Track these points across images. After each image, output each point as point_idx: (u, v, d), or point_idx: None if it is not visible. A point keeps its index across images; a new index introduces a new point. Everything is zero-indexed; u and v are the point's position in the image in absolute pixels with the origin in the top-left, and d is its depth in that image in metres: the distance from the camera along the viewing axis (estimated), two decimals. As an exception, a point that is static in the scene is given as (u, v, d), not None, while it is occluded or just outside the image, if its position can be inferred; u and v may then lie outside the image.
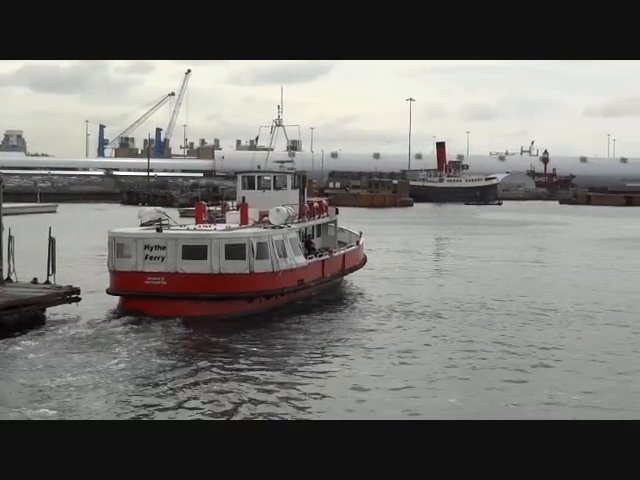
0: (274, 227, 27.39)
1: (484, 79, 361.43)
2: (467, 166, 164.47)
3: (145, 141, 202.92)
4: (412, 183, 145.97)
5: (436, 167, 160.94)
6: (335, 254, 31.83)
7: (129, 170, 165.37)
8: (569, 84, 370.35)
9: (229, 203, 33.31)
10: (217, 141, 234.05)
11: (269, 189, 32.30)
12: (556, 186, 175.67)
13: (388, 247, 50.93)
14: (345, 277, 33.78)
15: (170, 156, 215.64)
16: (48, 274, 25.39)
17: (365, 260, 35.90)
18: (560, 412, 15.72)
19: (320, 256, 30.34)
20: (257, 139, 39.70)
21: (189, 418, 15.11)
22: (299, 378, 18.26)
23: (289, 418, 15.32)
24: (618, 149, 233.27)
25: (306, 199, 33.31)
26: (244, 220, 28.46)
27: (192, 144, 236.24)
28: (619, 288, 33.70)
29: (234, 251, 25.09)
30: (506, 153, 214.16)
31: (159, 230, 25.71)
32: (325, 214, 34.39)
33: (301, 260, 27.97)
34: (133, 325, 23.16)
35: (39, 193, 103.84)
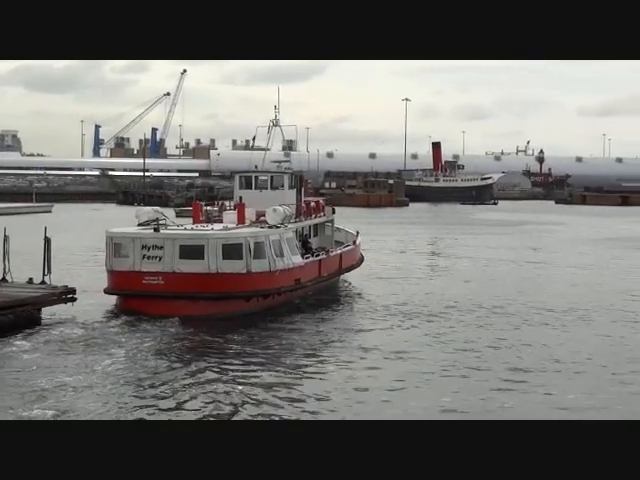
0: (271, 227, 27.45)
1: (479, 79, 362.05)
2: (463, 166, 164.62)
3: (141, 141, 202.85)
4: (408, 183, 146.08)
5: (432, 167, 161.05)
6: (332, 254, 31.90)
7: (125, 170, 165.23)
8: (565, 84, 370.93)
9: (226, 203, 33.39)
10: (213, 141, 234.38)
11: (266, 189, 32.37)
12: (552, 186, 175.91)
13: (384, 247, 50.94)
14: (342, 276, 33.85)
15: (166, 156, 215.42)
16: (44, 274, 25.35)
17: (362, 260, 36.01)
18: (556, 412, 15.71)
19: (317, 256, 30.42)
20: (254, 139, 39.84)
21: (187, 418, 15.08)
22: (296, 378, 18.24)
23: (287, 418, 15.29)
24: (614, 149, 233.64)
25: (303, 199, 33.38)
26: (241, 220, 28.53)
27: (188, 144, 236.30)
28: (615, 288, 33.71)
29: (231, 251, 25.17)
30: (502, 153, 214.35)
31: (156, 230, 25.76)
32: (322, 214, 34.49)
33: (298, 260, 28.03)
34: (130, 325, 23.15)
35: (34, 193, 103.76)
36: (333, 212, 35.79)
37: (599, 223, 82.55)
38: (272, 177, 32.87)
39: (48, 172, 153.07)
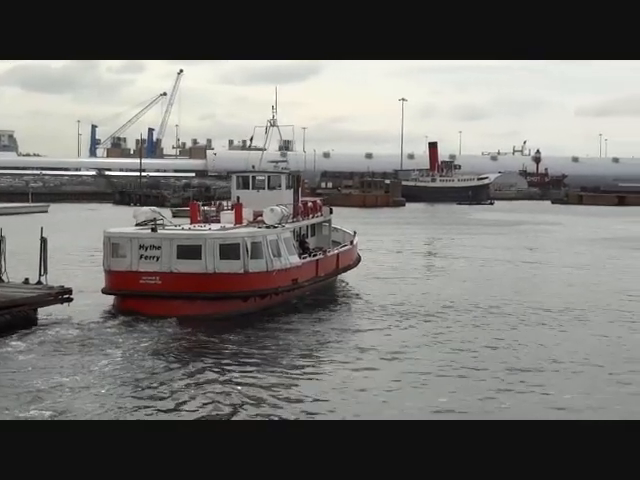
0: (268, 227, 27.51)
1: (476, 79, 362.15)
2: (459, 166, 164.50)
3: (137, 141, 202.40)
4: (404, 183, 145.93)
5: (428, 167, 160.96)
6: (329, 254, 31.94)
7: (121, 170, 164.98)
8: (561, 84, 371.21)
9: (224, 203, 33.44)
10: (209, 141, 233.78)
11: (263, 189, 32.45)
12: (548, 186, 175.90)
13: (381, 247, 50.95)
14: (339, 276, 33.88)
15: (162, 156, 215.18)
16: (40, 274, 25.31)
17: (359, 259, 36.07)
18: (554, 412, 15.73)
19: (314, 256, 30.45)
20: (252, 139, 39.79)
21: (185, 418, 15.07)
22: (293, 379, 18.23)
23: (284, 418, 15.28)
24: (610, 149, 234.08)
25: (300, 199, 33.41)
26: (238, 220, 28.57)
27: (184, 144, 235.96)
28: (612, 288, 33.75)
29: (228, 251, 25.22)
30: (498, 153, 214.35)
31: (154, 230, 25.83)
32: (319, 214, 34.56)
33: (295, 260, 28.06)
34: (126, 325, 23.13)
35: (31, 193, 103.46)
36: (330, 212, 35.88)
37: (595, 223, 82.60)
38: (269, 177, 32.94)
39: (44, 172, 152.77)
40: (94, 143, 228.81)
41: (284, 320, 25.03)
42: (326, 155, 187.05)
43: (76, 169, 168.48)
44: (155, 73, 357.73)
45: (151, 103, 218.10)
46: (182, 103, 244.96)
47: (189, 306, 24.44)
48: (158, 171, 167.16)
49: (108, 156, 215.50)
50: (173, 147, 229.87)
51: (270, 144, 36.60)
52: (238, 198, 30.05)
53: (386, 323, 25.00)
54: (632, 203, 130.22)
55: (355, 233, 37.16)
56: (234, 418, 15.24)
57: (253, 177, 32.90)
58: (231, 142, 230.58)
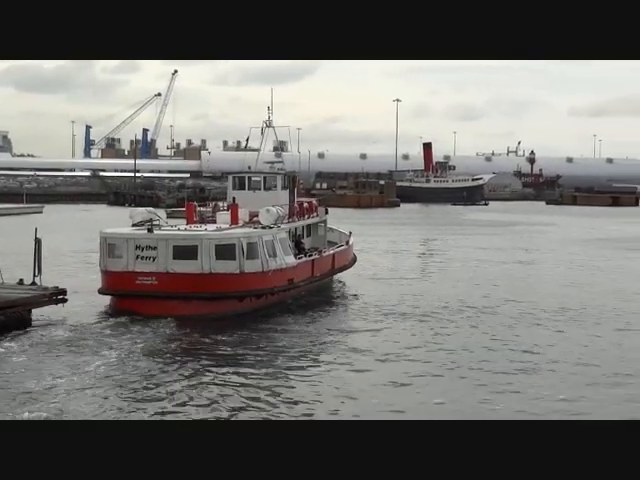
0: (264, 227, 27.61)
1: (471, 79, 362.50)
2: (454, 167, 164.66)
3: (131, 142, 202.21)
4: (399, 184, 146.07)
5: (423, 168, 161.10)
6: (325, 254, 32.06)
7: (115, 171, 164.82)
8: (555, 84, 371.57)
9: (220, 203, 33.56)
10: (204, 142, 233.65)
11: (259, 190, 32.62)
12: (542, 186, 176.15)
13: (376, 247, 50.96)
14: (335, 276, 33.92)
15: (157, 157, 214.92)
16: (34, 275, 25.26)
17: (355, 260, 36.21)
18: (551, 413, 15.73)
19: (310, 256, 30.55)
20: (248, 140, 39.97)
21: (181, 419, 15.04)
22: (288, 379, 18.20)
23: (279, 419, 15.26)
24: (604, 149, 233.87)
25: (296, 199, 33.49)
26: (234, 220, 28.66)
27: (179, 145, 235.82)
28: (606, 288, 33.81)
29: (224, 251, 25.33)
30: (492, 154, 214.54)
31: (150, 230, 25.92)
32: (315, 214, 34.68)
33: (291, 260, 28.15)
34: (121, 326, 23.09)
35: (25, 194, 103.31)
36: (326, 212, 36.02)
37: (589, 224, 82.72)
38: (265, 178, 33.10)
39: (39, 173, 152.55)
40: (88, 144, 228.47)
41: (280, 320, 25.04)
42: (320, 156, 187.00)
43: (70, 170, 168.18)
44: (149, 73, 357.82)
45: (145, 104, 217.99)
46: (176, 104, 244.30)
47: (185, 306, 24.52)
48: (152, 172, 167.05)
49: (102, 157, 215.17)
50: (167, 148, 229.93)
51: (265, 145, 36.67)
52: (234, 199, 30.15)
53: (381, 324, 24.99)
54: (626, 204, 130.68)
55: (351, 233, 37.24)
56: (230, 418, 15.21)
57: (249, 178, 33.07)
58: (225, 143, 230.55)
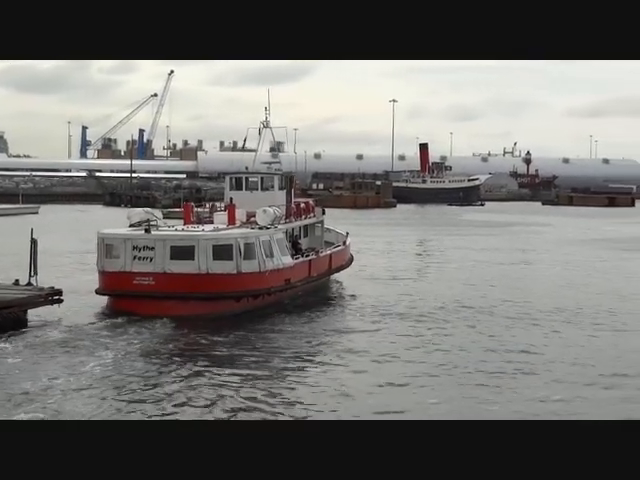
0: (261, 228, 27.70)
1: (467, 80, 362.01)
2: (450, 167, 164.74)
3: (128, 142, 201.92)
4: (395, 184, 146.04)
5: (419, 168, 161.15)
6: (322, 254, 32.11)
7: (112, 171, 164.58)
8: (551, 85, 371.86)
9: (217, 204, 33.61)
10: (200, 142, 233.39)
11: (256, 190, 32.69)
12: (539, 187, 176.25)
13: (372, 248, 50.94)
14: (332, 277, 33.95)
15: (153, 157, 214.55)
16: (30, 275, 25.22)
17: (351, 260, 36.25)
18: (543, 413, 15.73)
19: (307, 256, 30.58)
20: (245, 140, 40.03)
21: (177, 419, 15.01)
22: (284, 380, 18.20)
23: (276, 418, 15.25)
24: (600, 150, 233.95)
25: (293, 200, 33.53)
26: (231, 221, 28.74)
27: (175, 145, 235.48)
28: (601, 289, 33.86)
29: (221, 251, 25.42)
30: (489, 154, 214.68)
31: (147, 231, 25.99)
32: (312, 214, 34.74)
33: (288, 260, 28.22)
34: (117, 327, 23.08)
35: (21, 194, 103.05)
36: (323, 213, 36.11)
37: (585, 224, 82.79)
38: (262, 178, 33.17)
39: (35, 173, 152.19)
40: (84, 144, 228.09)
41: (276, 321, 25.05)
42: (317, 156, 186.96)
43: (66, 170, 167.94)
44: (146, 74, 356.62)
45: (142, 104, 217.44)
46: (173, 104, 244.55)
47: (182, 306, 24.59)
48: (149, 172, 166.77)
49: (99, 157, 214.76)
50: (164, 148, 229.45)
51: (262, 145, 36.68)
52: (231, 199, 30.26)
53: (378, 324, 25.00)
54: (622, 204, 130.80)
55: (347, 234, 37.28)
56: (227, 419, 15.19)
57: (246, 178, 33.15)
58: (222, 143, 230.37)
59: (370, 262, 42.60)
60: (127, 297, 25.13)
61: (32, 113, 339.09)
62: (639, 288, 34.72)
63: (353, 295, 31.12)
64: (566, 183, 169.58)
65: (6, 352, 19.87)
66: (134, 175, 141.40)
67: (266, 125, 35.54)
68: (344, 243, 35.70)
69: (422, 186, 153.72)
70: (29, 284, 25.04)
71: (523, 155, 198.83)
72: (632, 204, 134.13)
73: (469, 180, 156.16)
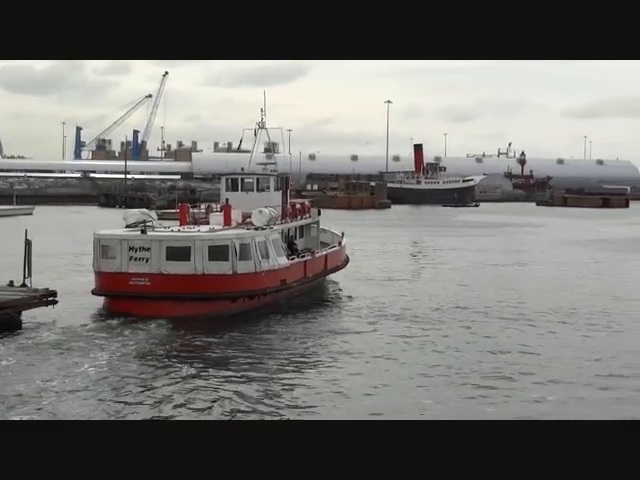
0: (257, 228, 27.78)
1: (460, 81, 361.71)
2: (444, 168, 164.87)
3: (122, 143, 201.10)
4: (390, 185, 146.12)
5: (414, 169, 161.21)
6: (317, 255, 32.16)
7: (106, 172, 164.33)
8: (545, 86, 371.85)
9: (213, 205, 33.65)
10: (195, 143, 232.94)
11: (252, 191, 32.74)
12: (533, 188, 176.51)
13: (367, 249, 50.95)
14: (327, 277, 33.95)
15: (147, 158, 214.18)
16: (24, 277, 25.16)
17: (347, 260, 36.32)
18: (539, 413, 15.73)
19: (302, 257, 30.60)
20: (241, 142, 40.05)
21: (172, 419, 14.98)
22: (279, 380, 18.20)
23: (271, 419, 15.23)
24: (595, 151, 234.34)
25: (288, 201, 33.57)
26: (227, 221, 28.80)
27: (169, 146, 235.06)
28: (596, 290, 33.92)
29: (217, 252, 25.53)
30: (483, 155, 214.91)
31: (143, 232, 26.05)
32: (307, 215, 34.80)
33: (283, 261, 28.28)
34: (112, 328, 23.05)
35: (15, 195, 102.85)
36: (319, 214, 36.16)
37: (580, 225, 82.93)
38: (258, 179, 33.24)
39: (29, 174, 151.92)
40: (79, 145, 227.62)
41: (272, 321, 25.05)
42: (311, 157, 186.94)
43: (61, 171, 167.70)
44: (140, 75, 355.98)
45: (136, 105, 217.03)
46: (167, 105, 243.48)
47: (178, 307, 24.69)
48: (143, 173, 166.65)
49: (93, 158, 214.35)
50: (158, 149, 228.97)
51: (257, 146, 36.67)
52: (227, 200, 30.31)
53: (373, 325, 25.01)
54: (616, 205, 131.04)
55: (343, 234, 37.31)
56: (222, 419, 15.16)
57: (242, 179, 33.22)
58: (216, 144, 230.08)
59: (365, 263, 42.61)
60: (123, 298, 25.23)
61: (26, 114, 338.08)
62: (633, 289, 34.78)
63: (348, 296, 31.11)
64: (560, 184, 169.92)
65: (0, 354, 19.79)
66: (128, 176, 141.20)
67: (262, 126, 35.58)
68: (339, 244, 35.75)
69: (416, 187, 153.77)
70: (23, 285, 24.97)
71: (517, 156, 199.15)
72: (626, 205, 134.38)
73: (463, 181, 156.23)
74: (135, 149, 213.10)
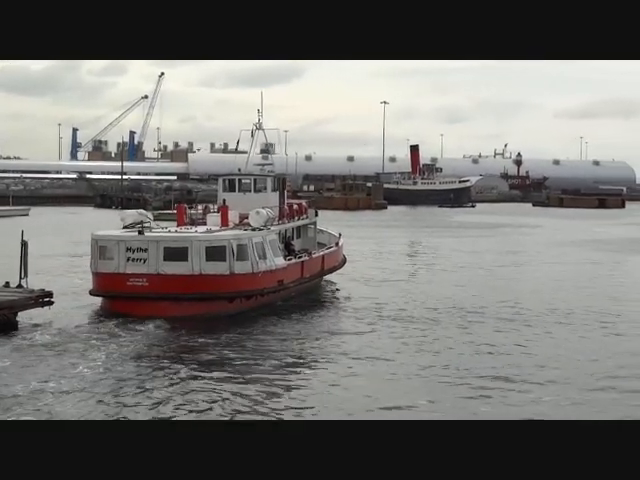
0: (254, 229, 27.83)
1: (456, 82, 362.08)
2: (441, 169, 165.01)
3: (118, 144, 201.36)
4: (386, 186, 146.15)
5: (410, 170, 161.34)
6: (314, 255, 32.20)
7: (102, 173, 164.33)
8: (542, 86, 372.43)
9: (210, 206, 33.69)
10: (191, 144, 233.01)
11: (249, 192, 32.79)
12: (529, 188, 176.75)
13: (363, 249, 50.94)
14: (325, 277, 33.95)
15: (144, 159, 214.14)
16: (20, 278, 25.12)
17: (344, 261, 36.31)
18: (534, 414, 15.72)
19: (299, 257, 30.62)
20: (238, 142, 40.11)
21: (168, 419, 14.95)
22: (276, 381, 18.16)
23: (267, 419, 15.20)
24: (591, 152, 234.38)
25: (286, 201, 33.60)
26: (224, 222, 28.85)
27: (166, 147, 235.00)
28: (592, 291, 33.96)
29: (214, 253, 25.59)
30: (479, 156, 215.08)
31: (141, 232, 26.09)
32: (305, 216, 34.85)
33: (280, 261, 28.31)
34: (108, 328, 23.02)
35: (11, 196, 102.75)
36: (316, 214, 36.19)
37: (576, 226, 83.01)
38: (255, 180, 33.27)
39: (25, 175, 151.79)
40: (75, 146, 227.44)
41: (269, 322, 25.05)
42: (308, 158, 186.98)
43: (57, 172, 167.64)
44: (136, 76, 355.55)
45: (132, 106, 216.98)
46: (163, 106, 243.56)
47: (176, 307, 24.75)
48: (139, 174, 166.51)
49: (89, 159, 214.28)
50: (154, 150, 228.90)
51: (254, 147, 36.67)
52: (224, 201, 30.38)
53: (370, 326, 25.00)
54: (612, 206, 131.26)
55: (340, 235, 37.34)
56: (219, 419, 15.14)
57: (239, 180, 33.28)
58: (213, 145, 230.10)
59: (362, 264, 42.61)
60: (121, 298, 25.32)
61: (22, 115, 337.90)
62: (629, 290, 34.78)
63: (345, 296, 31.14)
64: (556, 184, 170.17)
65: (-5, 355, 19.75)
66: (125, 177, 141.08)
67: (259, 127, 35.62)
68: (337, 244, 35.77)
69: (413, 188, 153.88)
70: (19, 286, 24.93)
71: (514, 157, 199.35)
72: (622, 206, 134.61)
73: (460, 182, 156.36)
74: (131, 150, 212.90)
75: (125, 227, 28.17)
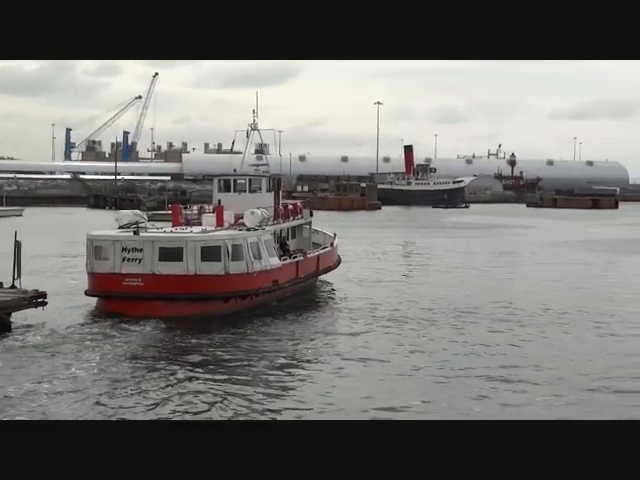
0: (249, 229, 27.86)
1: (450, 82, 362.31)
2: (435, 169, 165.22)
3: (112, 144, 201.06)
4: (380, 186, 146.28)
5: (404, 170, 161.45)
6: (309, 255, 32.23)
7: (96, 174, 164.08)
8: (536, 87, 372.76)
9: (205, 206, 33.70)
10: (185, 144, 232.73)
11: (244, 192, 32.80)
12: (523, 189, 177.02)
13: (357, 250, 50.95)
14: (319, 277, 33.97)
15: (137, 159, 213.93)
16: (14, 278, 25.05)
17: (339, 261, 36.37)
18: (529, 414, 15.74)
19: (294, 257, 30.63)
20: (233, 143, 40.07)
21: (163, 419, 14.92)
22: (271, 381, 18.16)
23: (263, 419, 15.19)
24: (584, 152, 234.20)
25: (281, 202, 33.62)
26: (220, 222, 28.86)
27: (159, 147, 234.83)
28: (585, 292, 33.97)
29: (209, 253, 25.64)
30: (473, 156, 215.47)
31: (136, 233, 26.10)
32: (299, 216, 34.89)
33: (275, 261, 28.33)
34: (102, 328, 22.97)
35: (5, 197, 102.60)
36: (311, 215, 36.20)
37: (569, 226, 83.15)
38: (250, 180, 33.31)
39: (19, 176, 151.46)
40: (69, 146, 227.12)
41: (264, 322, 25.03)
42: (302, 158, 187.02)
43: (51, 173, 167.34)
44: (130, 76, 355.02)
45: (126, 106, 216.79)
46: (157, 106, 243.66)
47: (171, 307, 24.78)
48: (133, 174, 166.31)
49: (83, 159, 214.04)
50: (148, 150, 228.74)
51: (249, 148, 36.71)
52: (219, 201, 30.40)
53: (364, 326, 24.99)
54: (606, 206, 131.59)
55: (335, 235, 37.37)
56: (214, 419, 15.12)
57: (234, 180, 33.27)
58: (207, 145, 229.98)
59: (356, 264, 42.62)
60: (116, 298, 25.34)
61: (16, 115, 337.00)
62: (623, 290, 34.81)
63: (340, 296, 31.17)
64: (550, 185, 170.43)
65: (-11, 356, 19.68)
66: (119, 177, 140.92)
67: (254, 127, 35.63)
68: (332, 244, 35.80)
69: (407, 188, 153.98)
70: (13, 287, 24.86)
71: (508, 157, 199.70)
72: (616, 206, 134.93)
73: (454, 182, 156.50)
74: (125, 150, 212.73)
75: (120, 227, 28.15)
